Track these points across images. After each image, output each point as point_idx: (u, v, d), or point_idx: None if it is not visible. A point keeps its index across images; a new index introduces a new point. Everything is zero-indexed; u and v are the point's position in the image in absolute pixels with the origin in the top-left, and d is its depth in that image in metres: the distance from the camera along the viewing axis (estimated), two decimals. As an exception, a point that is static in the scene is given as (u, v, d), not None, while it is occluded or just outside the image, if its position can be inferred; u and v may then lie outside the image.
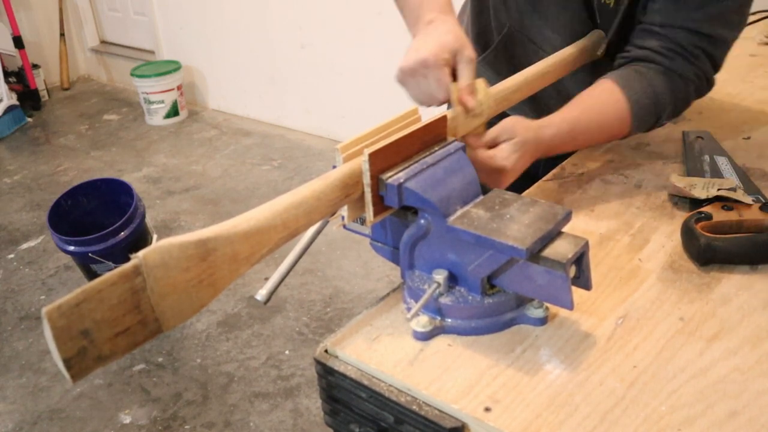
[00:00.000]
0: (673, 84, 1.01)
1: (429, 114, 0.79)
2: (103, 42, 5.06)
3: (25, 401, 2.16)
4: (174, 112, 4.27)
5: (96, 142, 4.10)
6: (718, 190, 0.89)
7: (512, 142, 0.88)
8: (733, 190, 0.89)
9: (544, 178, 1.05)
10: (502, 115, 0.96)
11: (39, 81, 4.64)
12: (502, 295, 0.72)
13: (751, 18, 1.64)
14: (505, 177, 0.88)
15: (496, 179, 0.88)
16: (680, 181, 0.94)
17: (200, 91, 4.48)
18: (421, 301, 0.71)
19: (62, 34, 4.82)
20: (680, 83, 1.01)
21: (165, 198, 3.38)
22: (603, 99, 0.99)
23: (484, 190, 0.76)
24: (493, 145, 0.89)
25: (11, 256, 2.98)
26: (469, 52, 0.86)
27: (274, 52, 3.93)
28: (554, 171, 1.07)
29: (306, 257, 2.67)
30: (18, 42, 4.42)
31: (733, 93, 1.31)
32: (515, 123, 0.90)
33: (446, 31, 0.87)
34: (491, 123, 1.06)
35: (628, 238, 0.88)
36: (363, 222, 0.75)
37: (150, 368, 2.26)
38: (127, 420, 2.06)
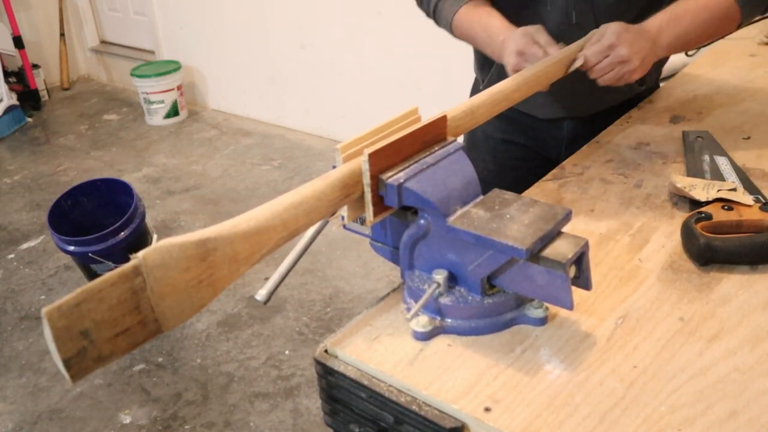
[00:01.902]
0: None
1: (429, 114, 0.79)
2: (103, 42, 5.06)
3: (25, 401, 2.15)
4: (174, 112, 4.27)
5: (96, 142, 4.10)
6: (718, 191, 0.89)
7: (613, 26, 1.02)
8: (733, 190, 0.89)
9: (544, 178, 1.05)
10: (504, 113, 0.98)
11: (39, 81, 4.64)
12: (502, 295, 0.72)
13: (751, 18, 1.64)
14: (629, 54, 1.00)
15: (625, 63, 1.01)
16: (680, 182, 0.94)
17: (200, 91, 4.48)
18: (421, 301, 0.71)
19: (62, 34, 4.82)
20: None
21: (165, 198, 3.38)
22: None
23: (484, 190, 0.76)
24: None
25: (11, 256, 2.98)
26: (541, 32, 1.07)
27: (274, 52, 3.93)
28: (554, 171, 1.07)
29: (306, 257, 2.66)
30: (18, 42, 4.42)
31: (733, 93, 1.31)
32: (608, 28, 1.03)
33: (518, 36, 1.07)
34: (485, 130, 1.09)
35: (628, 238, 0.88)
36: (363, 222, 0.75)
37: (150, 368, 2.26)
38: (127, 420, 2.05)
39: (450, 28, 1.23)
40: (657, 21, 1.05)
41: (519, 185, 1.08)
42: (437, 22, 1.27)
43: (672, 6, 1.07)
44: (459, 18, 1.20)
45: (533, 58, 1.03)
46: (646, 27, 1.04)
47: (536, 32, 1.06)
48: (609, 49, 1.01)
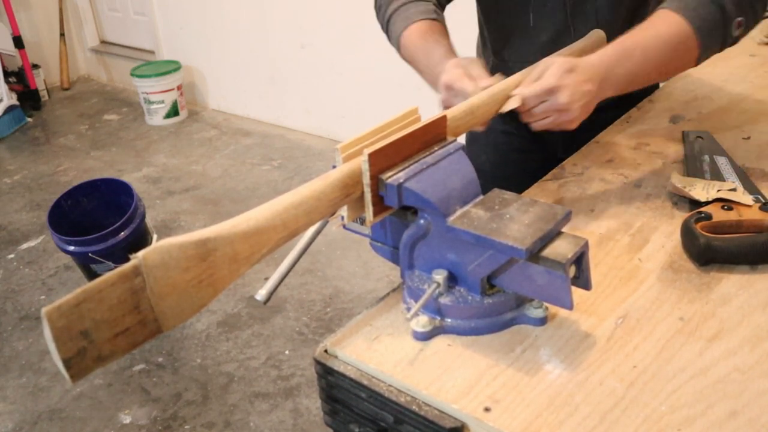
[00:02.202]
0: None
1: (429, 114, 0.79)
2: (103, 42, 5.06)
3: (25, 401, 2.15)
4: (174, 112, 4.27)
5: (96, 142, 4.10)
6: (718, 191, 0.89)
7: (556, 65, 0.89)
8: (733, 190, 0.89)
9: (544, 178, 1.05)
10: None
11: (39, 81, 4.64)
12: (501, 295, 0.72)
13: (751, 18, 1.64)
14: (569, 102, 0.87)
15: (563, 113, 0.88)
16: (680, 182, 0.94)
17: (200, 91, 4.48)
18: (421, 301, 0.71)
19: (62, 34, 4.82)
20: None
21: (165, 198, 3.38)
22: (655, 21, 0.96)
23: (484, 190, 0.76)
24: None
25: (11, 256, 2.98)
26: (475, 62, 0.98)
27: (274, 52, 3.93)
28: (554, 171, 1.07)
29: (306, 257, 2.66)
30: (18, 42, 4.42)
31: (733, 93, 1.31)
32: (552, 57, 0.94)
33: (449, 68, 0.99)
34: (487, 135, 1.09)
35: (628, 238, 0.88)
36: (363, 222, 0.75)
37: (150, 368, 2.26)
38: (127, 420, 2.05)
39: (398, 49, 1.16)
40: (606, 56, 0.93)
41: (519, 177, 1.10)
42: (389, 38, 1.19)
43: (621, 39, 0.95)
44: (405, 39, 1.12)
45: (462, 93, 0.92)
46: (593, 63, 0.91)
47: (469, 64, 0.97)
48: (548, 93, 0.87)
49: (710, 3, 0.94)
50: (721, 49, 0.99)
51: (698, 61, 0.98)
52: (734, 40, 0.98)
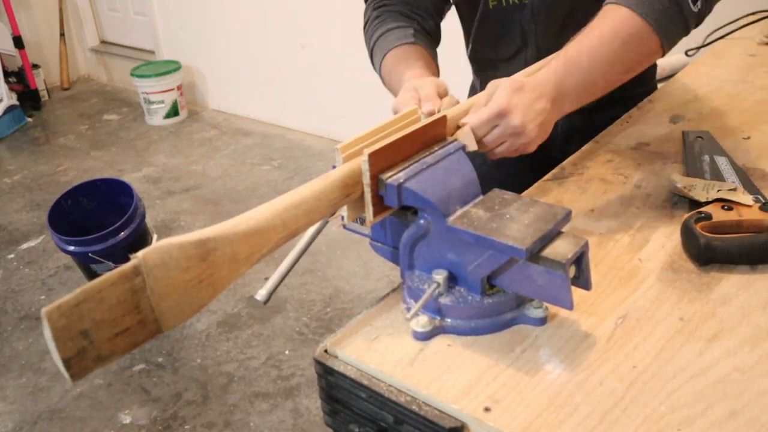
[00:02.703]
0: None
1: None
2: (103, 42, 5.06)
3: (25, 401, 2.15)
4: (174, 112, 4.27)
5: (96, 142, 4.11)
6: (718, 191, 0.89)
7: (502, 87, 0.83)
8: (733, 190, 0.89)
9: (544, 178, 1.05)
10: None
11: (39, 81, 4.64)
12: (501, 295, 0.72)
13: (751, 18, 1.64)
14: (522, 123, 0.82)
15: (518, 136, 0.83)
16: (680, 182, 0.94)
17: (200, 91, 4.48)
18: (421, 301, 0.71)
19: (62, 34, 4.82)
20: None
21: (165, 198, 3.38)
22: (598, 21, 0.89)
23: (484, 190, 0.76)
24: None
25: (11, 256, 2.98)
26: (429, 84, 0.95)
27: (274, 52, 3.93)
28: (554, 171, 1.07)
29: (306, 257, 2.66)
30: (18, 42, 4.42)
31: (733, 93, 1.31)
32: (499, 79, 0.86)
33: (402, 90, 0.97)
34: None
35: (628, 238, 0.88)
36: (363, 222, 0.75)
37: (150, 368, 2.26)
38: (127, 420, 2.05)
39: (381, 78, 1.14)
40: (552, 70, 0.87)
41: (515, 180, 1.09)
42: (374, 67, 1.18)
43: (565, 48, 0.90)
44: (383, 70, 1.12)
45: None
46: (541, 80, 0.86)
47: (423, 86, 0.93)
48: (498, 117, 0.81)
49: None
50: (687, 30, 0.91)
51: (663, 49, 0.90)
52: (699, 16, 0.90)
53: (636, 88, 1.29)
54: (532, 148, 0.86)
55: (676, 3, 0.88)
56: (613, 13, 0.88)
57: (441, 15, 1.26)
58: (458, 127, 0.83)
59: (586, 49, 0.88)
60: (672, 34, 0.90)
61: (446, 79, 1.06)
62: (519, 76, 0.90)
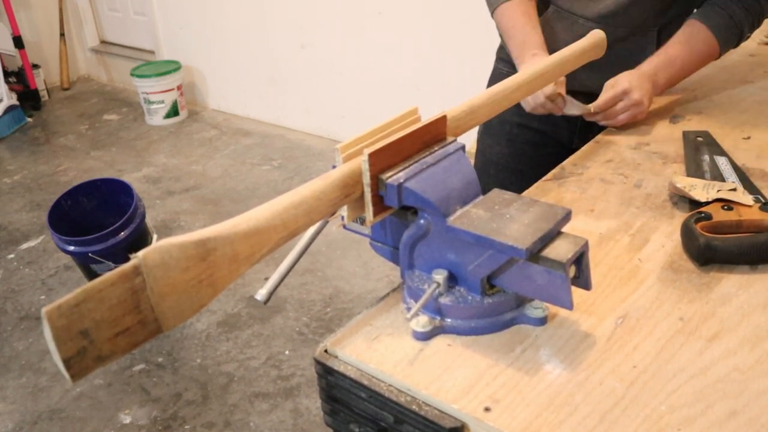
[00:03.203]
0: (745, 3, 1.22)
1: (429, 114, 0.79)
2: (103, 42, 5.06)
3: (25, 401, 2.15)
4: (174, 112, 4.27)
5: (96, 142, 4.11)
6: (718, 191, 0.89)
7: (623, 75, 1.18)
8: (733, 190, 0.89)
9: (544, 178, 1.05)
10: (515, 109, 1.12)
11: (39, 81, 4.64)
12: (501, 295, 0.72)
13: (751, 18, 1.64)
14: (641, 97, 1.17)
15: (638, 106, 1.17)
16: (680, 182, 0.94)
17: (200, 91, 4.48)
18: (421, 301, 0.71)
19: (62, 34, 4.82)
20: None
21: (165, 198, 3.38)
22: (694, 37, 1.22)
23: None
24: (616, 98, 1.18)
25: (11, 256, 2.98)
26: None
27: (274, 52, 3.93)
28: (554, 171, 1.07)
29: (306, 257, 2.67)
30: (18, 42, 4.42)
31: (733, 93, 1.31)
32: (619, 77, 1.18)
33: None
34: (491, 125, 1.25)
35: (628, 238, 0.88)
36: (363, 222, 0.75)
37: (150, 368, 2.26)
38: (127, 420, 2.05)
39: (492, 14, 1.32)
40: (653, 65, 1.20)
41: (533, 169, 1.20)
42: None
43: (664, 49, 1.22)
44: (503, 11, 1.29)
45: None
46: (644, 71, 1.19)
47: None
48: (623, 93, 1.15)
49: (734, 26, 1.21)
50: (735, 46, 1.26)
51: (719, 55, 1.26)
52: (745, 39, 1.26)
53: None
54: (644, 116, 1.19)
55: (739, 38, 1.24)
56: (706, 37, 1.21)
57: None
58: (559, 95, 1.17)
59: (681, 58, 1.21)
60: (727, 49, 1.24)
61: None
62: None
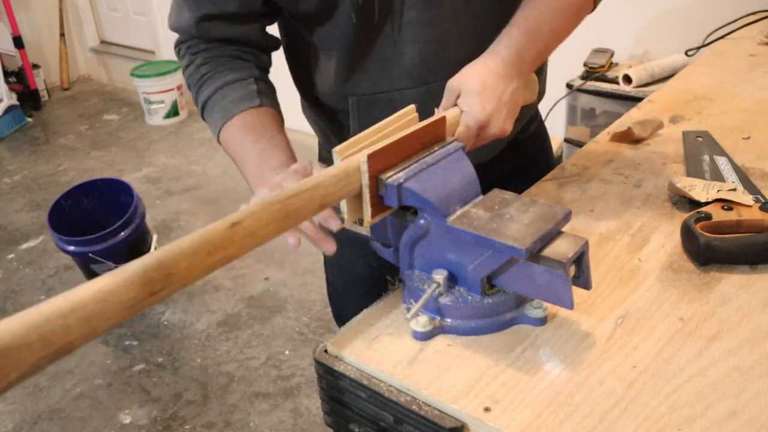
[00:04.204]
0: None
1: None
2: (103, 42, 5.06)
3: (25, 401, 2.15)
4: (174, 112, 4.27)
5: (96, 142, 4.11)
6: (718, 191, 0.89)
7: (470, 94, 0.80)
8: (733, 190, 0.89)
9: (544, 178, 1.05)
10: None
11: (39, 81, 4.64)
12: (501, 295, 0.72)
13: (751, 18, 1.64)
14: (503, 127, 0.82)
15: (499, 135, 0.82)
16: (680, 182, 0.94)
17: (200, 91, 4.47)
18: (421, 301, 0.71)
19: (62, 34, 4.82)
20: None
21: (165, 198, 3.38)
22: None
23: (484, 190, 0.76)
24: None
25: (11, 256, 2.98)
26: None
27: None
28: (554, 171, 1.07)
29: (306, 257, 2.67)
30: (18, 42, 4.42)
31: (733, 93, 1.31)
32: (458, 76, 0.82)
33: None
34: None
35: (628, 238, 0.88)
36: (362, 222, 0.75)
37: (150, 368, 2.26)
38: (127, 420, 2.06)
39: (219, 140, 0.96)
40: (514, 43, 0.84)
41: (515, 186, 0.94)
42: (206, 122, 0.98)
43: (523, 16, 0.87)
44: (224, 139, 0.94)
45: None
46: (504, 58, 0.83)
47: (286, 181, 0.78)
48: (478, 131, 0.80)
49: None
50: None
51: (595, 6, 0.93)
52: None
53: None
54: (511, 128, 0.85)
55: None
56: None
57: (272, 45, 1.07)
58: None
59: (548, 19, 0.87)
60: None
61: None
62: (476, 62, 0.84)
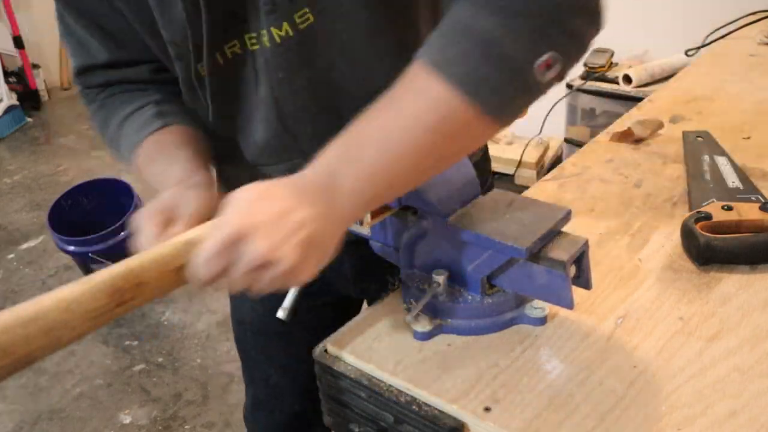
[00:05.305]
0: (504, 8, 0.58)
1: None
2: (103, 42, 5.05)
3: (25, 401, 2.15)
4: (174, 112, 4.26)
5: (96, 142, 4.10)
6: None
7: (236, 198, 0.59)
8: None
9: (544, 178, 1.05)
10: None
11: (39, 81, 4.64)
12: (502, 295, 0.72)
13: (751, 18, 1.64)
14: (272, 247, 0.55)
15: (270, 267, 0.56)
16: None
17: (200, 91, 4.47)
18: (422, 301, 0.71)
19: (62, 34, 4.82)
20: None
21: (165, 198, 3.38)
22: (404, 88, 0.62)
23: (484, 190, 0.76)
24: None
25: (11, 256, 2.98)
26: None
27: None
28: (554, 171, 1.07)
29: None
30: (18, 42, 4.41)
31: (733, 93, 1.31)
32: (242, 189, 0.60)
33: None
34: None
35: (628, 238, 0.88)
36: (362, 222, 0.75)
37: (150, 368, 2.26)
38: (127, 420, 2.05)
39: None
40: (323, 160, 0.61)
41: (313, 331, 0.84)
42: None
43: (352, 127, 0.62)
44: (141, 171, 0.82)
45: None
46: (304, 179, 0.60)
47: (180, 201, 0.68)
48: (232, 245, 0.56)
49: (485, 45, 0.58)
50: (528, 104, 0.64)
51: (493, 130, 0.64)
52: (547, 86, 0.61)
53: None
54: (303, 277, 0.58)
55: (517, 75, 0.59)
56: (423, 81, 0.60)
57: (172, 80, 0.86)
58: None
59: (379, 129, 0.61)
60: (510, 112, 0.63)
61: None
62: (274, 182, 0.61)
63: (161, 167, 0.77)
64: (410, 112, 0.60)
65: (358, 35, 0.74)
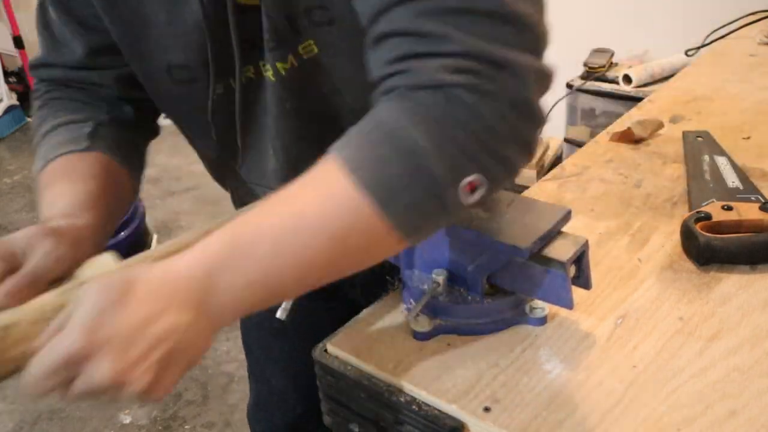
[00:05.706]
0: (440, 108, 0.51)
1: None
2: (103, 42, 5.05)
3: (26, 401, 2.15)
4: (174, 112, 4.26)
5: (96, 142, 4.10)
6: None
7: (85, 301, 0.51)
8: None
9: (544, 178, 1.05)
10: None
11: (39, 81, 4.63)
12: (502, 295, 0.72)
13: (751, 18, 1.64)
14: (122, 371, 0.49)
15: (121, 387, 0.49)
16: None
17: (200, 91, 4.47)
18: (421, 301, 0.71)
19: (62, 34, 4.82)
20: (461, 99, 0.51)
21: (165, 198, 3.38)
22: (308, 185, 0.55)
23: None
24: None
25: (11, 256, 2.97)
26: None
27: (274, 52, 3.92)
28: (554, 171, 1.07)
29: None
30: (18, 42, 4.41)
31: (733, 93, 1.31)
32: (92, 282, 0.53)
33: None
34: None
35: (628, 238, 0.88)
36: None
37: (150, 368, 2.26)
38: (127, 420, 2.05)
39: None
40: (203, 255, 0.53)
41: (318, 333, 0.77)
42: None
43: (240, 221, 0.55)
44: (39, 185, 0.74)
45: None
46: (174, 271, 0.52)
47: (30, 249, 0.60)
48: (71, 366, 0.50)
49: (408, 156, 0.51)
50: (443, 226, 0.63)
51: (399, 247, 0.57)
52: (467, 209, 0.55)
53: None
54: (158, 395, 0.51)
55: (435, 192, 0.52)
56: (330, 180, 0.53)
57: (138, 99, 0.91)
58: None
59: (275, 227, 0.53)
60: (423, 229, 0.56)
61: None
62: (139, 267, 0.55)
63: (52, 196, 0.69)
64: (313, 213, 0.53)
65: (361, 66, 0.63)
